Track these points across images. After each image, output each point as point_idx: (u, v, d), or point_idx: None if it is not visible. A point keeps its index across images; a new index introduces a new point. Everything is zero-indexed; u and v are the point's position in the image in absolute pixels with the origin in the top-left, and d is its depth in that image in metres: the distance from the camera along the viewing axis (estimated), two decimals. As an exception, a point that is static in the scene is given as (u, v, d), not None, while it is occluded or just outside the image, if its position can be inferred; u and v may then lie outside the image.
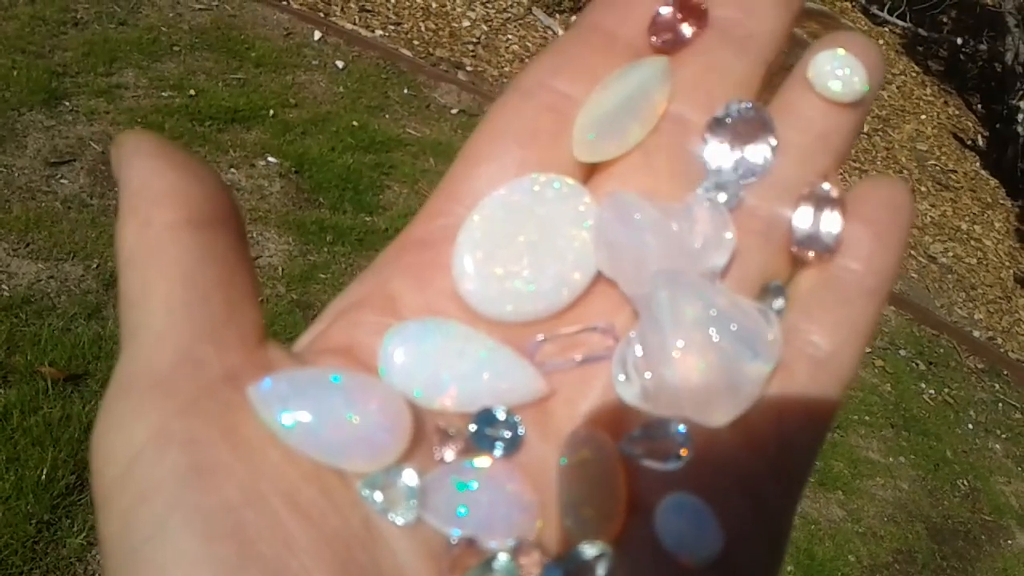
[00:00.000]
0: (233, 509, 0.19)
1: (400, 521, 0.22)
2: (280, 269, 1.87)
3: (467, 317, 0.25)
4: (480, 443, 0.24)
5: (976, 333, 2.78)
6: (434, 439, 0.23)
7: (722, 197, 0.25)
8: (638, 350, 0.24)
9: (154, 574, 0.19)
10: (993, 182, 3.55)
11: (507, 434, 0.24)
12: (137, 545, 0.19)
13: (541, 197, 0.25)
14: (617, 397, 0.24)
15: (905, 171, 3.42)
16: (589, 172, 0.26)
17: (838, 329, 0.24)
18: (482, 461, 0.23)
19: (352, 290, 0.25)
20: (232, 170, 2.10)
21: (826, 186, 0.25)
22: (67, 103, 2.07)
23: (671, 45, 0.25)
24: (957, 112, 3.89)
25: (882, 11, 4.17)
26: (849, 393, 2.17)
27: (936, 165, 3.52)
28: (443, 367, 0.24)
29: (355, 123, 2.43)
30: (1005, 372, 2.63)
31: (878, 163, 3.40)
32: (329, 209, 2.10)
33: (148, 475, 0.20)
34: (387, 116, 2.54)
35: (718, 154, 0.25)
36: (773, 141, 0.25)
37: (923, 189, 3.37)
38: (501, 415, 0.24)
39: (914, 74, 4.00)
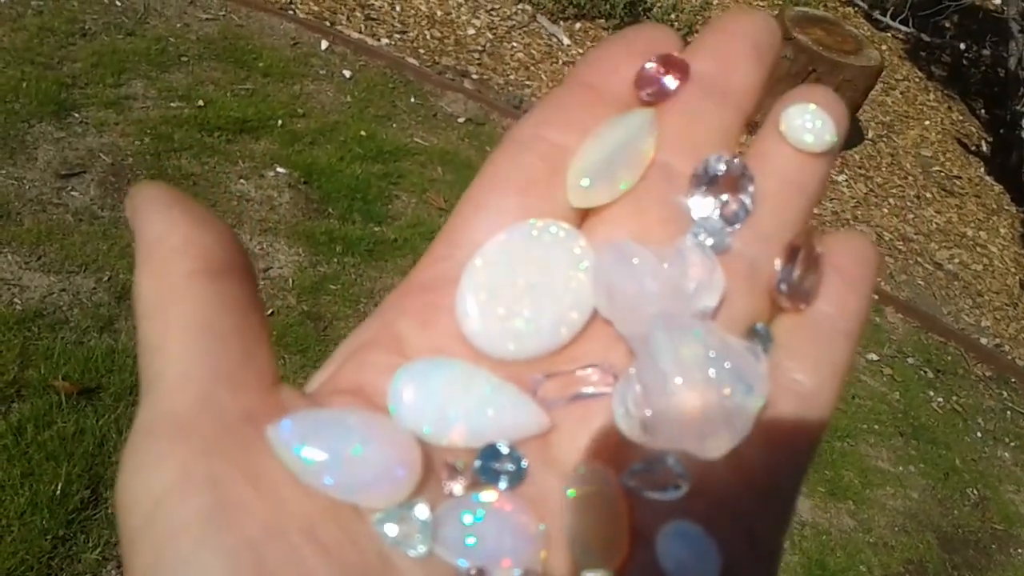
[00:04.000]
0: (255, 545, 0.21)
1: (413, 553, 0.23)
2: (290, 280, 1.88)
3: (471, 356, 0.26)
4: (486, 477, 0.24)
5: (983, 340, 2.78)
6: (443, 474, 0.24)
7: (709, 242, 0.27)
8: (637, 387, 0.25)
9: None
10: (998, 187, 3.55)
11: (511, 467, 0.25)
12: None
13: (539, 241, 0.26)
14: (616, 431, 0.25)
15: (910, 177, 3.42)
16: (582, 217, 0.27)
17: (819, 367, 0.26)
18: (488, 495, 0.24)
19: (359, 332, 0.26)
20: (241, 181, 2.12)
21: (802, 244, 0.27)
22: (76, 114, 2.09)
23: (656, 97, 0.27)
24: (961, 117, 3.89)
25: (885, 16, 4.17)
26: (858, 402, 2.17)
27: (941, 171, 3.52)
28: (450, 405, 0.25)
29: (363, 132, 2.44)
30: (1013, 379, 2.62)
31: (883, 169, 3.39)
32: (338, 219, 2.11)
33: (175, 516, 0.21)
34: (395, 125, 2.55)
35: (702, 205, 0.27)
36: (751, 189, 0.27)
37: (928, 195, 3.36)
38: (504, 450, 0.25)
39: (917, 80, 4.00)
